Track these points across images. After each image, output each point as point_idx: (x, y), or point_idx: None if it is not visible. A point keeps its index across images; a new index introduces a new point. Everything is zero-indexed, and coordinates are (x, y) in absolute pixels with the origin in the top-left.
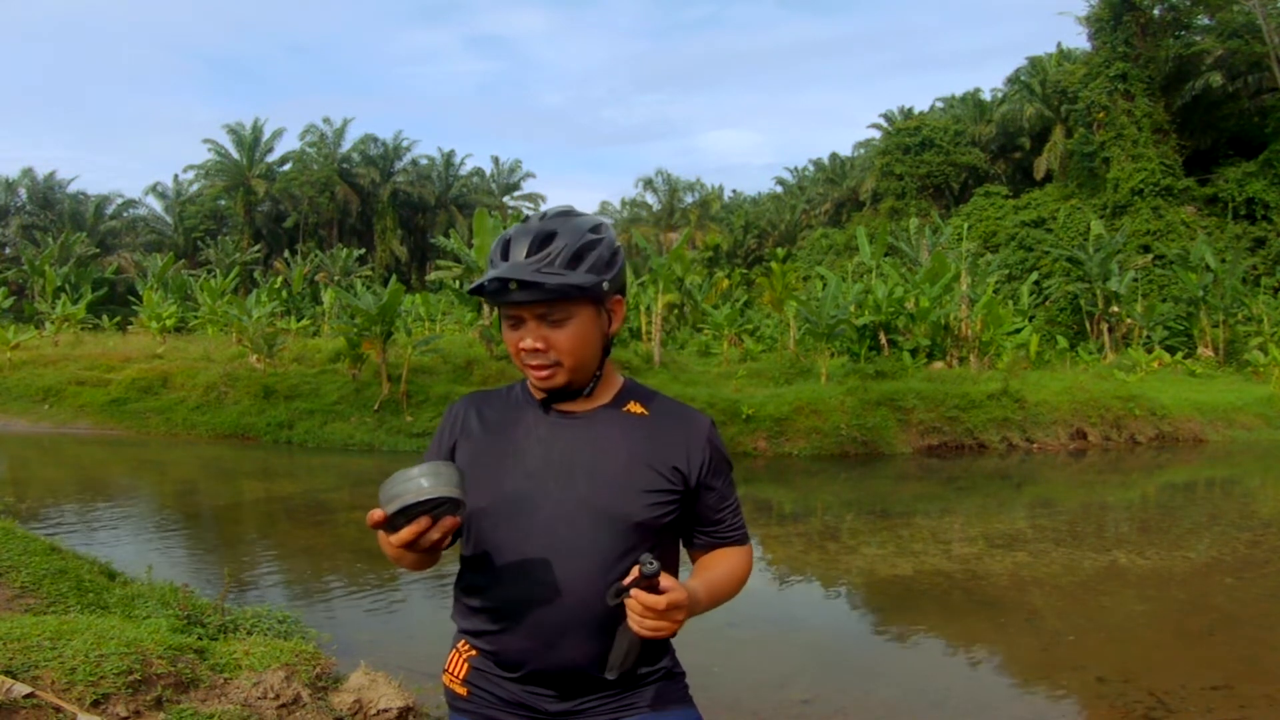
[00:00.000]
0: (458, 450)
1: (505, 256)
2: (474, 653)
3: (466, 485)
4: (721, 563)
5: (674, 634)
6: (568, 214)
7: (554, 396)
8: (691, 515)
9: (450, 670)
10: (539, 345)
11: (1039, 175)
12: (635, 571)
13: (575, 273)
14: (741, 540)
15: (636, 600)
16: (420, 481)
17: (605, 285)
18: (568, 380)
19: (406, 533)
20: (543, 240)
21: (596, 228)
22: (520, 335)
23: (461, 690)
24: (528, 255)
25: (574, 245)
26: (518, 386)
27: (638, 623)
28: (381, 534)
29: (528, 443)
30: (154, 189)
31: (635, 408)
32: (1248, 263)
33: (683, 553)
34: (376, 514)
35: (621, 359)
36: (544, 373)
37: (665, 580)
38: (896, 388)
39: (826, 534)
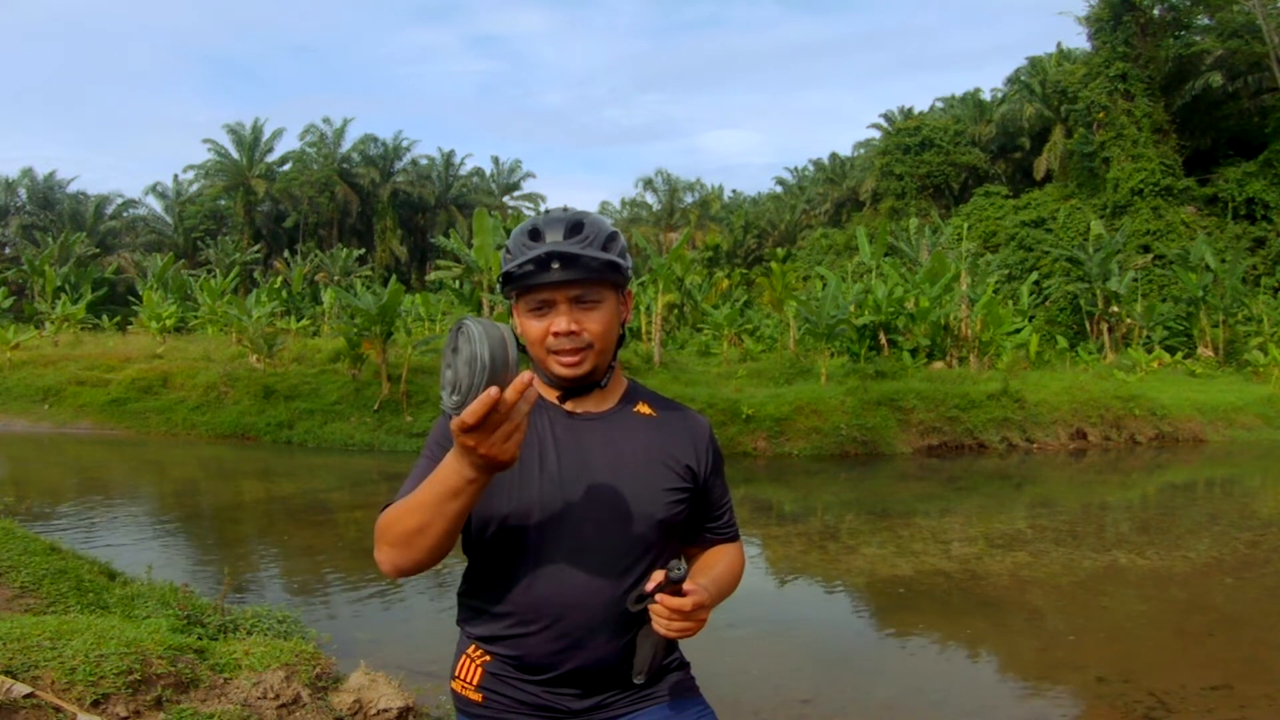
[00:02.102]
0: None
1: (536, 241)
2: (488, 658)
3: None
4: (721, 559)
5: (696, 633)
6: (583, 211)
7: (571, 391)
8: (696, 512)
9: (461, 677)
10: (573, 328)
11: (1039, 175)
12: (657, 577)
13: (609, 254)
14: (735, 537)
15: (663, 605)
16: (502, 334)
17: (629, 272)
18: (593, 366)
19: (514, 391)
20: (574, 226)
21: (611, 223)
22: (550, 321)
23: (476, 696)
24: (565, 238)
25: (603, 232)
26: None
27: (664, 626)
28: (435, 490)
29: (546, 445)
30: (154, 189)
31: (644, 409)
32: (1248, 263)
33: None
34: (501, 391)
35: (621, 359)
36: (574, 358)
37: (686, 582)
38: (896, 388)
39: (826, 534)
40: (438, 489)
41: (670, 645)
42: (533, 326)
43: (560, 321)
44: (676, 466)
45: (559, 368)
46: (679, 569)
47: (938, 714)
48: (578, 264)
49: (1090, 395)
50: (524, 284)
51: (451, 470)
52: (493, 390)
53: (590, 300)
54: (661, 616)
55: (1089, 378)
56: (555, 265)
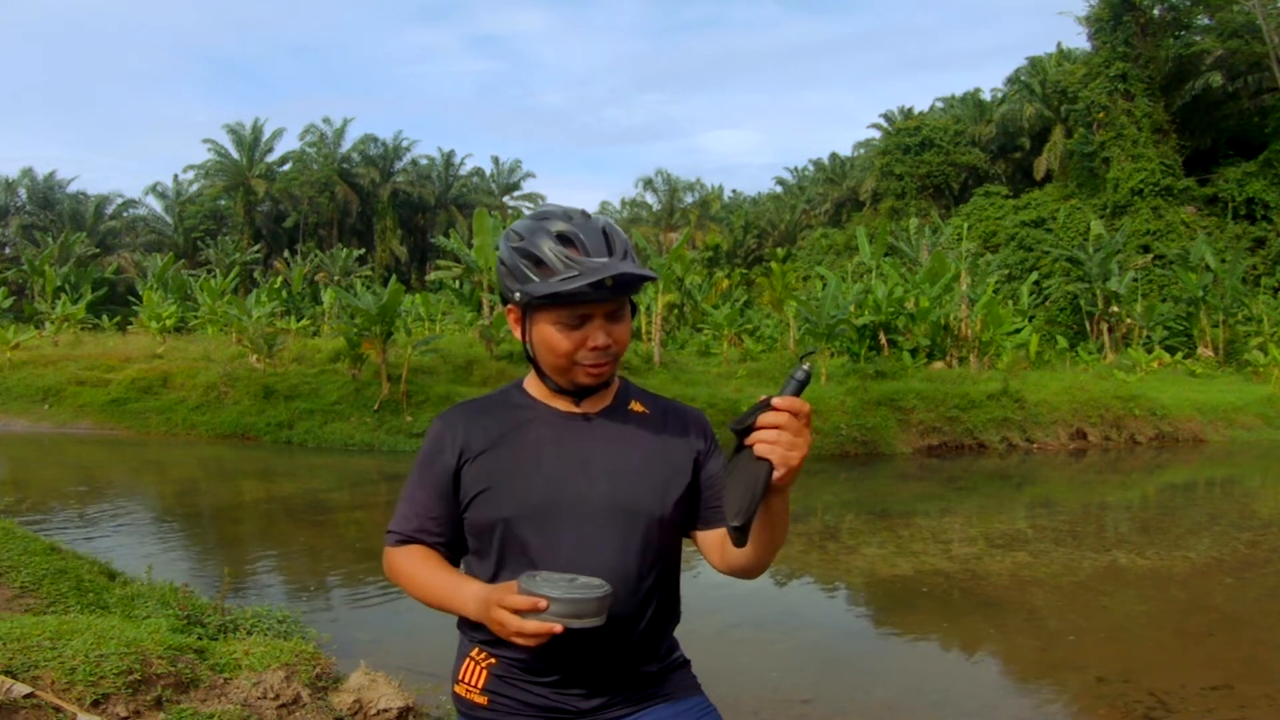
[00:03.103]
0: (466, 471)
1: (579, 253)
2: (493, 660)
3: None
4: None
5: (797, 469)
6: (597, 216)
7: (583, 393)
8: (707, 497)
9: (465, 680)
10: (610, 342)
11: (1039, 175)
12: (762, 399)
13: (640, 267)
14: None
15: (780, 406)
16: (602, 602)
17: None
18: (613, 372)
19: (540, 628)
20: (610, 235)
21: None
22: (586, 333)
23: (481, 699)
24: (610, 253)
25: (628, 241)
26: (513, 390)
27: (773, 438)
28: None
29: (541, 447)
30: (154, 189)
31: (637, 406)
32: (1248, 263)
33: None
34: (541, 603)
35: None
36: (603, 368)
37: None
38: (896, 388)
39: (826, 534)
40: (444, 599)
41: (767, 483)
42: (564, 339)
43: (599, 336)
44: (675, 462)
45: (586, 377)
46: (806, 364)
47: (938, 714)
48: (630, 283)
49: (1090, 395)
50: (569, 300)
51: (464, 602)
52: (540, 602)
53: (622, 313)
54: (772, 425)
55: (1089, 378)
56: (609, 283)
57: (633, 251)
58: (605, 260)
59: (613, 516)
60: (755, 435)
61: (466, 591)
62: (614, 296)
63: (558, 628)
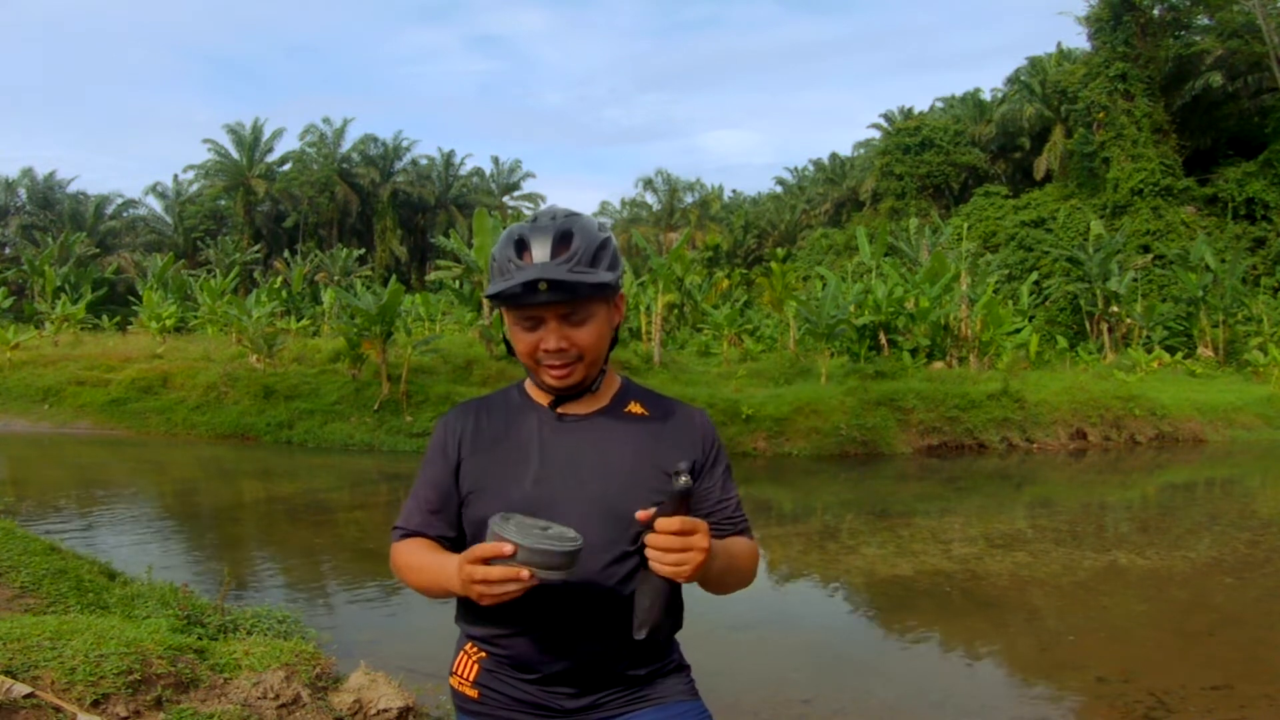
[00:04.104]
0: (464, 467)
1: (523, 256)
2: (484, 655)
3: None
4: (734, 542)
5: (694, 576)
6: (573, 214)
7: (563, 396)
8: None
9: (459, 673)
10: (563, 345)
11: (1039, 175)
12: (647, 514)
13: (597, 271)
14: (747, 533)
15: (661, 529)
16: (571, 556)
17: (619, 282)
18: (583, 376)
19: (506, 574)
20: (562, 239)
21: (602, 226)
22: (540, 336)
23: (472, 692)
24: (553, 256)
25: (592, 244)
26: (514, 390)
27: (658, 558)
28: (460, 570)
29: (533, 447)
30: (154, 189)
31: (636, 408)
32: (1248, 263)
33: None
34: (506, 548)
35: (621, 359)
36: (563, 371)
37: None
38: (896, 388)
39: (826, 534)
40: (435, 580)
41: (675, 596)
42: (523, 339)
43: (550, 339)
44: (667, 466)
45: (550, 379)
46: (684, 476)
47: (938, 714)
48: (565, 287)
49: (1090, 395)
50: (513, 303)
51: (450, 577)
52: (505, 548)
53: (580, 317)
54: (657, 547)
55: (1089, 378)
56: (543, 287)
57: (606, 256)
58: (543, 263)
59: (599, 518)
60: (646, 552)
61: (451, 567)
62: (561, 299)
63: (524, 573)
